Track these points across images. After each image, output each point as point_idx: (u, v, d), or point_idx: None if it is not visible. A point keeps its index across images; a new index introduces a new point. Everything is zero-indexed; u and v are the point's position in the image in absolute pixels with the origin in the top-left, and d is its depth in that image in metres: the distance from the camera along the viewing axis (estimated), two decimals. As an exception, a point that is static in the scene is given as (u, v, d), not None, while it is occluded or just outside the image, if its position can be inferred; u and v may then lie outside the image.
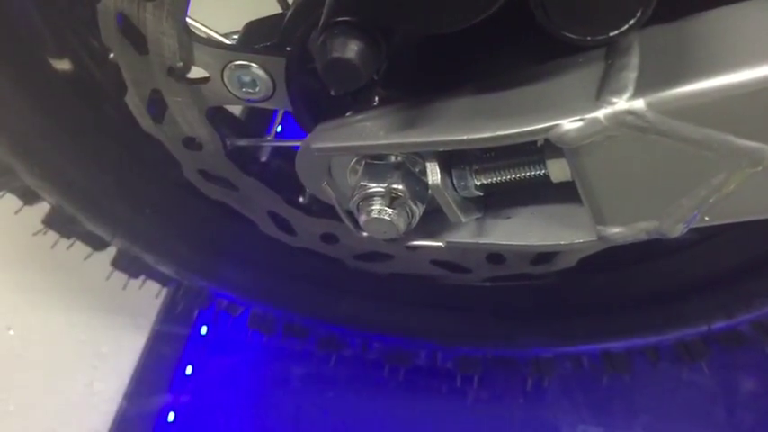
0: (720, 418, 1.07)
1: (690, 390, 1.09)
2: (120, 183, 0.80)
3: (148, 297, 1.08)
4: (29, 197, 0.79)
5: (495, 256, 0.70)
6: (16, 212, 0.82)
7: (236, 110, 1.02)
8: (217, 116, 0.69)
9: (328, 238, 0.75)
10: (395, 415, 1.16)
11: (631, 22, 0.38)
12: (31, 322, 1.17)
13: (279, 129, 1.32)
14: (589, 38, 0.40)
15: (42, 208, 0.82)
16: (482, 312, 0.90)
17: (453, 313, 0.91)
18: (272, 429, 1.20)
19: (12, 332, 1.16)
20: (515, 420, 1.13)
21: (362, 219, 0.52)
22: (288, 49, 0.57)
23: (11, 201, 0.80)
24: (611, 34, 0.39)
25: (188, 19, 0.58)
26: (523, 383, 1.10)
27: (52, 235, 0.85)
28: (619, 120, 0.40)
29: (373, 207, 0.51)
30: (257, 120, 1.17)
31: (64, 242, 0.87)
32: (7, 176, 0.75)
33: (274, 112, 1.04)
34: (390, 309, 0.94)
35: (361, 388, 1.17)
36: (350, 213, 0.55)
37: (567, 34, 0.40)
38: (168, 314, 1.25)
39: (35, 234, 0.85)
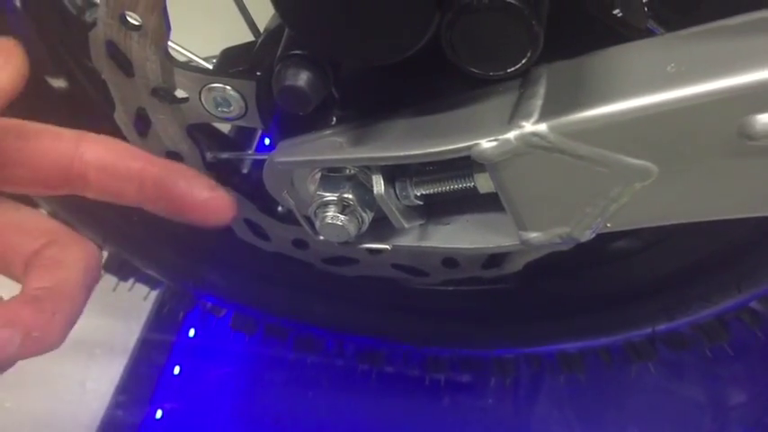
0: (709, 430, 1.10)
1: (679, 400, 1.12)
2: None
3: (139, 301, 1.14)
4: (26, 204, 0.85)
5: (450, 260, 0.77)
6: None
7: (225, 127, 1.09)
8: (200, 131, 0.76)
9: (299, 244, 0.82)
10: (383, 417, 1.19)
11: (524, 61, 0.46)
12: (28, 323, 1.23)
13: (267, 142, 1.39)
14: (491, 73, 0.47)
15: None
16: (446, 315, 0.97)
17: (417, 315, 0.97)
18: (260, 428, 1.25)
19: (9, 332, 1.22)
20: (503, 428, 1.16)
21: (318, 224, 0.60)
22: (258, 73, 0.64)
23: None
24: (509, 70, 0.47)
25: (171, 44, 0.65)
26: (513, 388, 1.14)
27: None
28: (526, 140, 0.47)
29: (327, 213, 0.59)
30: (244, 135, 1.25)
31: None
32: (7, 184, 0.82)
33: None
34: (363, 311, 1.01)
35: (347, 389, 1.20)
36: (308, 219, 0.62)
37: (473, 69, 0.47)
38: (157, 316, 1.30)
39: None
